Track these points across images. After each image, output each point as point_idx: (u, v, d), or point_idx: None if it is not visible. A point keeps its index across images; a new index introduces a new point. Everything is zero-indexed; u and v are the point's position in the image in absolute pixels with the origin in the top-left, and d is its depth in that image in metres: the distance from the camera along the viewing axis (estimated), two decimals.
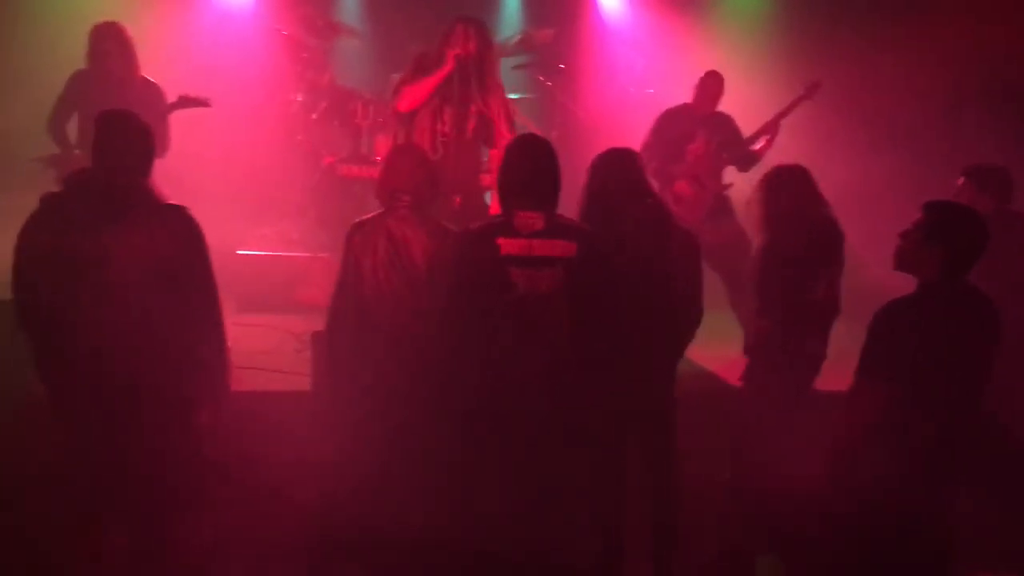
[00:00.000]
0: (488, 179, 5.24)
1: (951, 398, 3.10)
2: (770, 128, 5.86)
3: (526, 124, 6.48)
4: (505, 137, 4.82)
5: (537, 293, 3.29)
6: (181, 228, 3.20)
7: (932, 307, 3.12)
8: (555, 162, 3.43)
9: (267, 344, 5.30)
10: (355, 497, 3.71)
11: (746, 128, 5.97)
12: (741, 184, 5.98)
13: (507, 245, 3.29)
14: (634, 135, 5.99)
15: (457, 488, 3.45)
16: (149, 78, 5.43)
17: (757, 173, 5.72)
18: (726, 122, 5.99)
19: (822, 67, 6.37)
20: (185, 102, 5.39)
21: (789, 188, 4.02)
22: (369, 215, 3.80)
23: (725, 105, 6.02)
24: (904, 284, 3.25)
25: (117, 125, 3.26)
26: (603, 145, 3.87)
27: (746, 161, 5.96)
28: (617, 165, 3.71)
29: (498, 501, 3.36)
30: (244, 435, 4.05)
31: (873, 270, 3.52)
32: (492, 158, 4.97)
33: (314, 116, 7.01)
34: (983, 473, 3.60)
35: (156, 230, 3.13)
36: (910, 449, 3.09)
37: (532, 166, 3.40)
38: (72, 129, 5.41)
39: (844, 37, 6.98)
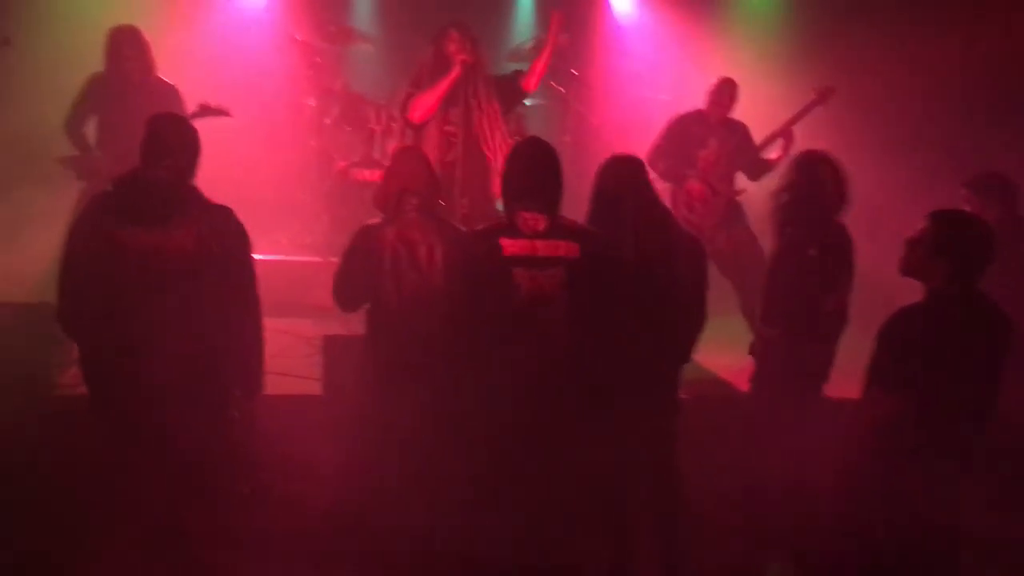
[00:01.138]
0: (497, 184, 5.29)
1: (962, 407, 3.08)
2: (781, 134, 5.83)
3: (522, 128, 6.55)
4: (497, 141, 4.93)
5: (540, 293, 3.31)
6: (228, 228, 3.29)
7: (941, 315, 3.11)
8: (557, 164, 3.46)
9: (278, 348, 5.29)
10: (367, 500, 3.72)
11: (760, 134, 5.95)
12: (755, 190, 5.97)
13: (510, 246, 3.32)
14: (647, 141, 5.99)
15: (466, 488, 3.45)
16: (165, 79, 5.47)
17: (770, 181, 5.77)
18: (739, 129, 5.97)
19: (838, 71, 6.35)
20: (205, 111, 5.40)
21: (819, 186, 3.95)
22: (376, 220, 3.81)
23: (740, 110, 6.01)
24: (914, 290, 3.24)
25: (168, 127, 3.35)
26: (616, 151, 3.87)
27: (757, 170, 5.94)
28: (620, 170, 3.71)
29: (506, 503, 3.36)
30: (256, 436, 4.06)
31: (885, 276, 3.50)
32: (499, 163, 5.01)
33: (327, 121, 7.04)
34: (994, 481, 3.57)
35: (204, 230, 3.21)
36: (921, 458, 3.07)
37: (534, 168, 3.43)
38: (90, 131, 5.45)
39: (859, 41, 6.94)
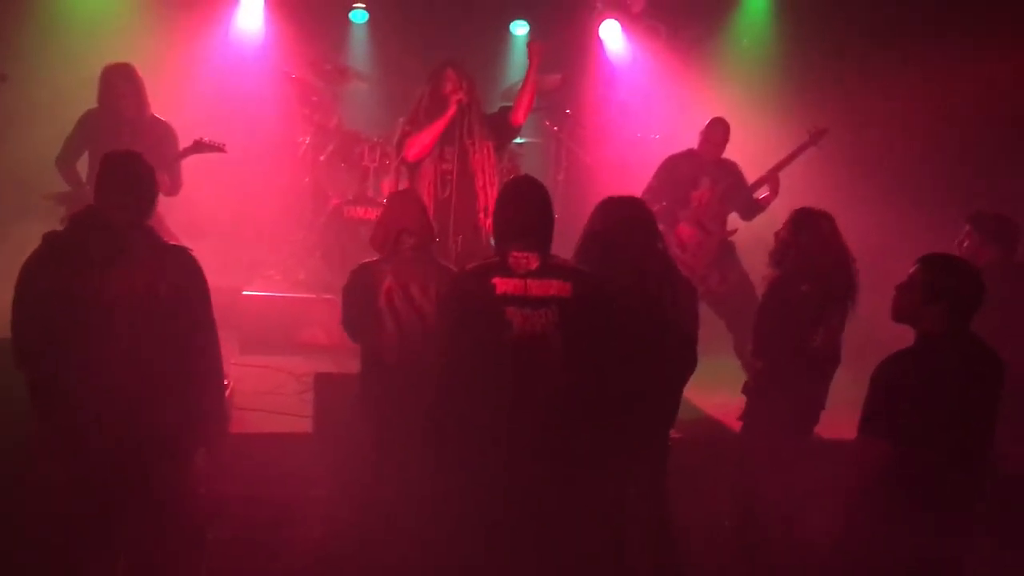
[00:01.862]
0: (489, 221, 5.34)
1: (956, 450, 3.07)
2: (769, 178, 5.88)
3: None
4: (490, 180, 4.98)
5: (532, 332, 3.29)
6: (181, 269, 3.20)
7: (932, 360, 3.11)
8: (549, 202, 3.46)
9: (269, 385, 5.29)
10: (359, 538, 3.69)
11: (753, 175, 6.00)
12: (746, 230, 6.00)
13: (502, 284, 3.30)
14: (639, 180, 6.03)
15: (458, 523, 3.42)
16: (159, 117, 5.48)
17: (761, 221, 5.80)
18: (731, 169, 6.01)
19: (829, 110, 6.41)
20: (200, 147, 5.40)
21: (814, 230, 4.00)
22: (373, 259, 3.83)
23: (732, 149, 6.06)
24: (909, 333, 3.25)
25: (120, 165, 3.27)
26: (609, 189, 3.89)
27: (750, 210, 5.98)
28: (629, 212, 3.72)
29: (498, 537, 3.33)
30: (245, 476, 4.03)
31: (882, 319, 3.51)
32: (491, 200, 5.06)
33: (321, 158, 7.07)
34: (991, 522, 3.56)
35: (156, 270, 3.13)
36: (916, 502, 3.06)
37: (526, 206, 3.42)
38: (83, 167, 5.46)
39: (851, 82, 7.02)
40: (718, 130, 5.94)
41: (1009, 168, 6.25)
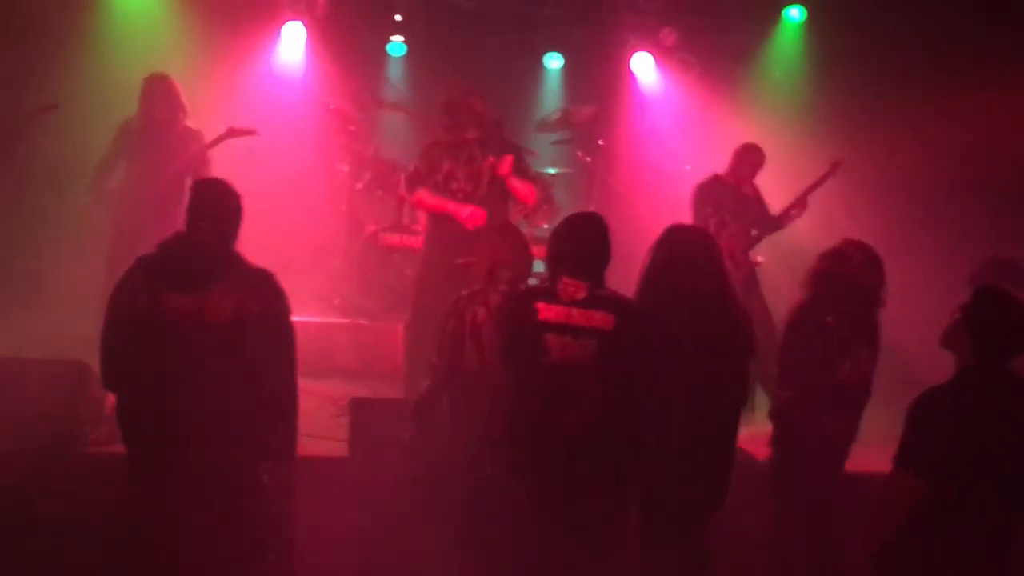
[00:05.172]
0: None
1: (993, 490, 3.02)
2: (797, 204, 6.05)
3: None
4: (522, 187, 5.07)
5: (569, 361, 3.32)
6: (267, 292, 3.31)
7: (968, 396, 3.03)
8: (607, 238, 3.49)
9: (306, 409, 5.33)
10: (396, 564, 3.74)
11: (777, 201, 6.11)
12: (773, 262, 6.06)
13: (545, 310, 3.36)
14: (671, 210, 6.07)
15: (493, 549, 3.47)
16: (192, 127, 5.76)
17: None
18: (756, 196, 6.12)
19: (857, 142, 6.48)
20: (232, 133, 5.67)
21: (844, 262, 3.92)
22: (470, 290, 3.87)
23: (763, 180, 6.13)
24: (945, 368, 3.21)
25: (210, 191, 3.40)
26: (640, 220, 3.92)
27: (770, 228, 6.12)
28: (680, 241, 3.62)
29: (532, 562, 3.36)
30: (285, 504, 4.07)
31: (913, 353, 3.49)
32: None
33: (359, 186, 7.19)
34: None
35: (243, 295, 3.23)
36: (949, 540, 3.03)
37: (582, 237, 3.47)
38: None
39: (883, 118, 7.06)
40: (752, 155, 6.04)
41: None
